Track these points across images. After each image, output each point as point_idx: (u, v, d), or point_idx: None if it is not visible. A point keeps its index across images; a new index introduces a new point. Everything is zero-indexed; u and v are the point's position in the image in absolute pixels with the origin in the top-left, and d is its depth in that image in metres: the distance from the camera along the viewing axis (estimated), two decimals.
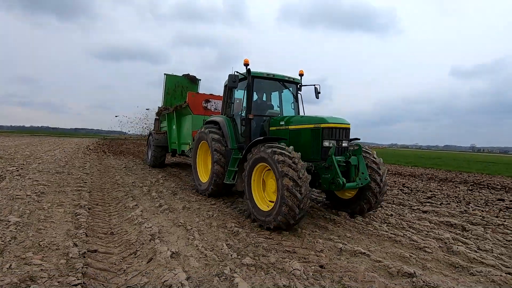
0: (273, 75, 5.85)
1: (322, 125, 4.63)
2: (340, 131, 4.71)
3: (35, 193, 5.57)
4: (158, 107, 12.16)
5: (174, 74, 12.13)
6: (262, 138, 4.75)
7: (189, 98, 8.93)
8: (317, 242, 3.79)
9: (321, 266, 3.15)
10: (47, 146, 19.78)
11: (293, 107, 6.35)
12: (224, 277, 2.76)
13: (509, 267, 3.29)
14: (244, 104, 5.86)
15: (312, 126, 4.78)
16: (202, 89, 11.95)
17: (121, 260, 3.16)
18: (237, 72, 5.48)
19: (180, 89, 12.10)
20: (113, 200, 5.78)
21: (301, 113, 6.27)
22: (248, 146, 4.90)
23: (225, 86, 6.40)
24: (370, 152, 5.07)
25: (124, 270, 2.93)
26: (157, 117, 12.53)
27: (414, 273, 2.96)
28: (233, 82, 5.26)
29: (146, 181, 7.92)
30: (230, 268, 2.92)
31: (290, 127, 5.19)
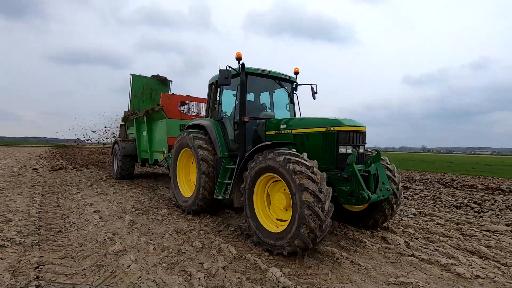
0: (269, 71, 5.31)
1: (337, 128, 4.05)
2: (357, 135, 4.11)
3: None
4: (124, 111, 11.19)
5: (142, 74, 11.26)
6: (269, 143, 4.07)
7: (163, 100, 8.08)
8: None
9: (183, 212, 5.70)
10: None
11: (288, 109, 5.80)
12: (120, 217, 5.16)
13: None
14: (219, 106, 5.52)
15: (324, 129, 4.18)
16: None
17: (63, 215, 5.41)
18: (229, 66, 4.72)
19: (149, 91, 11.21)
20: (61, 191, 7.84)
21: (298, 116, 5.76)
22: (250, 152, 4.17)
23: (210, 84, 5.84)
24: (383, 158, 4.56)
25: (64, 218, 5.20)
26: (123, 123, 11.47)
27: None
28: (225, 78, 4.51)
29: (92, 179, 9.96)
30: (126, 214, 5.33)
31: (293, 131, 4.58)
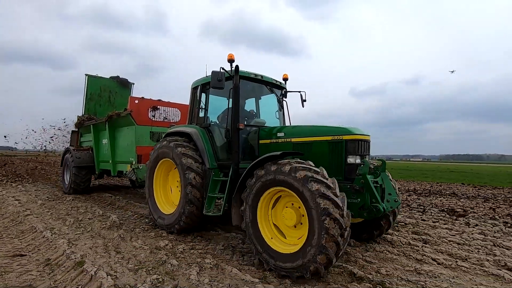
0: (261, 76, 5.10)
1: (346, 137, 3.91)
2: (364, 144, 4.01)
3: None
4: (78, 116, 10.01)
5: (99, 75, 10.26)
6: (279, 153, 3.74)
7: (132, 105, 7.35)
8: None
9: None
10: None
11: (277, 116, 5.63)
12: (34, 202, 7.48)
13: None
14: (206, 112, 5.17)
15: (330, 138, 4.03)
16: None
17: None
18: (223, 68, 4.42)
19: (107, 94, 10.29)
20: None
21: (287, 123, 5.64)
22: (254, 163, 3.84)
23: (194, 88, 5.45)
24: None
25: None
26: (76, 129, 10.31)
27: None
28: (218, 81, 4.20)
29: (18, 181, 11.67)
30: (40, 200, 7.64)
31: (293, 139, 4.37)
